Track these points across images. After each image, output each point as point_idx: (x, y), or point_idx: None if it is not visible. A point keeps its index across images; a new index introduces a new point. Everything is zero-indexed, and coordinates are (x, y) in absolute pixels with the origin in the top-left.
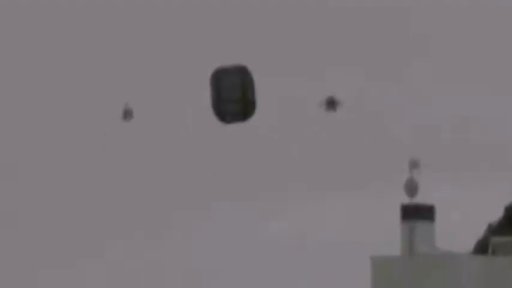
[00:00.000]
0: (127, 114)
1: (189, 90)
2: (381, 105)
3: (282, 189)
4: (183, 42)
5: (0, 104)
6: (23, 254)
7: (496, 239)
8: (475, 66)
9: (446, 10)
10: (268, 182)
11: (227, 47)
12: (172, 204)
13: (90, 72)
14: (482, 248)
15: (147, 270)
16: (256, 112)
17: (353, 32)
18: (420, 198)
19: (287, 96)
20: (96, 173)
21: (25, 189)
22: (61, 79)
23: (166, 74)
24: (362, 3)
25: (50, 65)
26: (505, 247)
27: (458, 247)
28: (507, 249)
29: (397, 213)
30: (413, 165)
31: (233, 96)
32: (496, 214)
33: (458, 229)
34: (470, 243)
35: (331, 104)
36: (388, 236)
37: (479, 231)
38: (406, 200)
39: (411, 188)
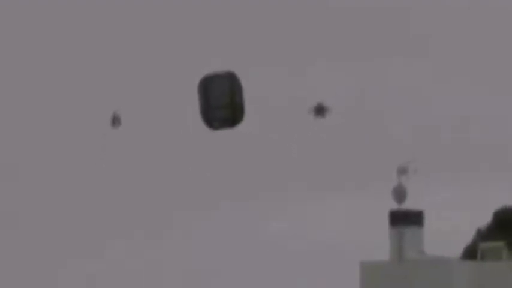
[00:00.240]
0: (115, 120)
1: (184, 91)
2: (380, 105)
3: (282, 189)
4: (172, 44)
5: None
6: (23, 254)
7: (484, 245)
8: (475, 66)
9: (446, 10)
10: (268, 182)
11: (220, 50)
12: (172, 204)
13: (82, 76)
14: (471, 253)
15: (147, 270)
16: (256, 112)
17: (353, 32)
18: (409, 204)
19: (287, 96)
20: (96, 173)
21: (25, 189)
22: (61, 79)
23: (166, 74)
24: (362, 3)
25: (49, 65)
26: (493, 252)
27: (449, 252)
28: (496, 255)
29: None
30: (402, 171)
31: (222, 102)
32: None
33: (449, 235)
34: (459, 249)
35: (320, 110)
36: (388, 236)
37: (470, 235)
38: (395, 205)
39: (400, 194)
